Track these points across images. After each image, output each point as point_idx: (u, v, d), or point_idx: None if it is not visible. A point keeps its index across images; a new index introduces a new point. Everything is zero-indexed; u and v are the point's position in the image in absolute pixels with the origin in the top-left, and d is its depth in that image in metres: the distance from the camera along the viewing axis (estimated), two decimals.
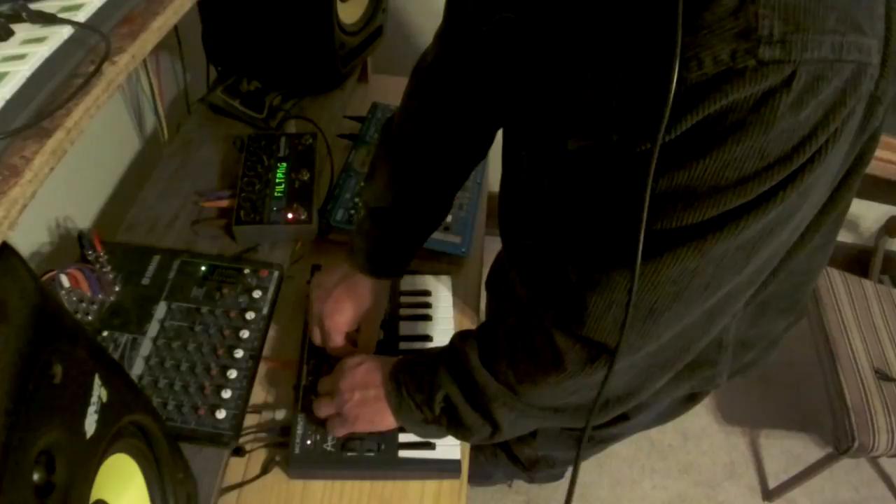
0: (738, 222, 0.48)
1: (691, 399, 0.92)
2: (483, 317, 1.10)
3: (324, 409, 0.78)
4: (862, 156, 0.54)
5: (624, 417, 0.91)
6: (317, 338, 0.85)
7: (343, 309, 0.84)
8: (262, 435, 0.83)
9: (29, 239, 0.93)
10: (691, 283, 0.53)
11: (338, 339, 0.84)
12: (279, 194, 1.02)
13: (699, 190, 0.48)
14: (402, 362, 0.76)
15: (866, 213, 2.01)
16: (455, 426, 0.71)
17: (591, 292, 0.56)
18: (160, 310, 0.87)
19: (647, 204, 0.48)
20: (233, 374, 0.81)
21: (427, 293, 0.97)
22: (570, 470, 1.45)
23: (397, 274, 0.89)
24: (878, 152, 0.55)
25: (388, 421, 0.75)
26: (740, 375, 0.86)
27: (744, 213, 0.48)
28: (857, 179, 0.57)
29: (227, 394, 0.79)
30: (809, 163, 0.46)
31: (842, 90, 0.43)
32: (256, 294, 0.90)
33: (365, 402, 0.75)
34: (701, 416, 1.82)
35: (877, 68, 0.45)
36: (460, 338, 0.71)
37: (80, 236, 0.89)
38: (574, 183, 0.63)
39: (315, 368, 0.85)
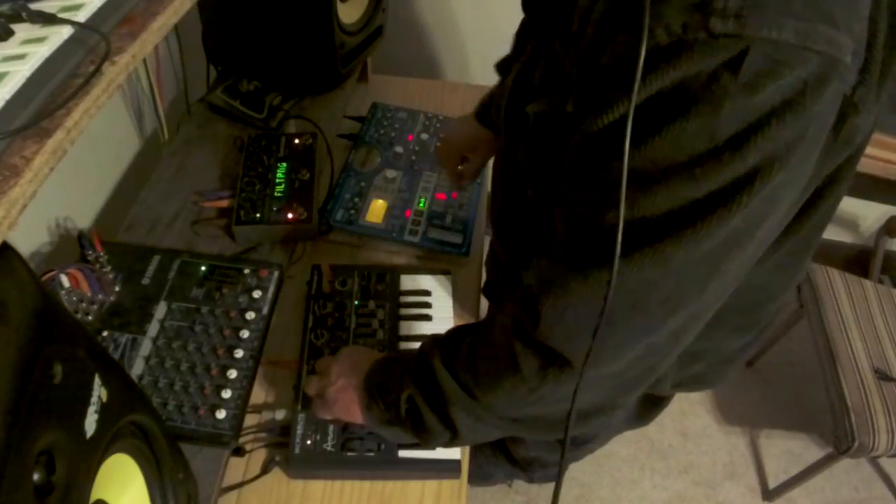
0: (694, 228, 0.45)
1: (656, 403, 0.92)
2: (483, 317, 1.10)
3: (312, 387, 0.79)
4: (833, 179, 0.52)
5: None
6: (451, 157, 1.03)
7: (460, 132, 1.02)
8: (262, 435, 0.83)
9: (29, 239, 0.93)
10: (650, 295, 0.51)
11: (454, 155, 1.02)
12: (279, 194, 1.02)
13: (650, 172, 0.45)
14: (378, 363, 0.75)
15: (866, 213, 2.01)
16: (416, 428, 0.70)
17: (544, 297, 0.55)
18: (160, 310, 0.87)
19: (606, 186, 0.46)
20: (233, 374, 0.81)
21: (427, 293, 0.97)
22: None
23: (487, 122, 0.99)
24: (878, 152, 0.55)
25: (358, 416, 0.75)
26: (686, 388, 0.84)
27: (699, 215, 0.45)
28: (825, 205, 0.55)
29: (227, 394, 0.79)
30: (769, 165, 0.43)
31: (804, 81, 0.41)
32: (256, 294, 0.90)
33: (345, 389, 0.75)
34: (701, 416, 1.82)
35: (852, 71, 0.43)
36: (431, 340, 0.70)
37: (80, 236, 0.89)
38: (540, 172, 0.62)
39: (315, 368, 0.85)
